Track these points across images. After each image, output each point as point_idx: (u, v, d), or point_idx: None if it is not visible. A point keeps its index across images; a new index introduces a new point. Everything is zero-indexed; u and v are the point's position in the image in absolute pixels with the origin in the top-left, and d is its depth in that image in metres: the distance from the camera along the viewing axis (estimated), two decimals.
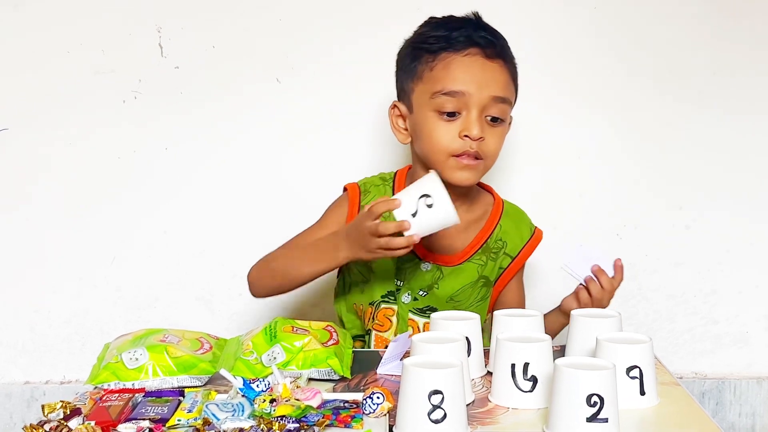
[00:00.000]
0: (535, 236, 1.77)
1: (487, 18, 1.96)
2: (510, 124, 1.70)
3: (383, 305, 1.71)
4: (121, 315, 2.17)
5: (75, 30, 2.08)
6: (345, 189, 1.77)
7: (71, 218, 2.14)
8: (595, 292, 1.60)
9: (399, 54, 1.70)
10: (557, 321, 1.69)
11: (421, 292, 1.70)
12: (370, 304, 1.72)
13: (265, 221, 2.14)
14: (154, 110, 2.10)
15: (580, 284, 1.62)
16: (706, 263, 2.20)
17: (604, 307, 1.61)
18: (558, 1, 2.11)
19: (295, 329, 1.40)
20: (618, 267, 1.62)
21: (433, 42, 1.62)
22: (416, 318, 1.70)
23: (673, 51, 2.12)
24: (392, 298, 1.71)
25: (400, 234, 1.48)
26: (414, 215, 1.47)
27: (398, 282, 1.71)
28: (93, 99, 2.09)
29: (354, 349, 1.50)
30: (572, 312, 1.42)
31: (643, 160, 2.15)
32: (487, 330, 1.62)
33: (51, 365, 2.19)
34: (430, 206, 1.47)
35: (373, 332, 1.72)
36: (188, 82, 2.10)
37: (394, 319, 1.70)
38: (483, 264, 1.72)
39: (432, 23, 1.67)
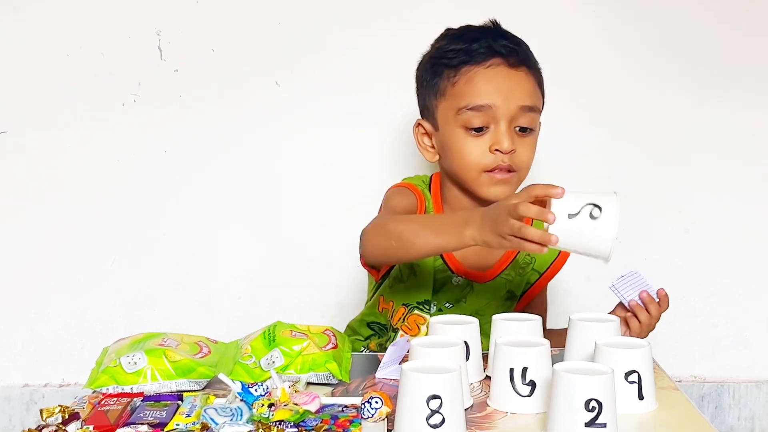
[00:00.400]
0: (563, 252, 1.73)
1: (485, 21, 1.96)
2: (539, 126, 1.67)
3: (416, 311, 1.68)
4: (120, 316, 2.17)
5: (74, 33, 2.08)
6: (397, 185, 1.72)
7: (71, 220, 2.14)
8: (644, 318, 1.56)
9: (418, 70, 1.66)
10: None
11: (447, 304, 1.68)
12: (403, 305, 1.69)
13: (265, 223, 2.15)
14: (153, 113, 2.11)
15: (626, 309, 1.58)
16: (706, 266, 2.20)
17: (650, 331, 1.59)
18: (558, 3, 2.10)
19: (293, 333, 1.40)
20: (663, 296, 1.59)
21: (452, 56, 1.58)
22: None
23: (674, 54, 2.12)
24: (427, 306, 1.68)
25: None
26: (570, 217, 1.24)
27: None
28: (92, 102, 2.10)
29: (352, 353, 1.50)
30: (570, 317, 1.41)
31: (642, 164, 2.16)
32: None
33: (50, 367, 2.19)
34: (594, 218, 1.23)
35: (400, 331, 1.69)
36: (187, 85, 2.10)
37: (424, 328, 1.66)
38: (511, 279, 1.70)
39: (449, 35, 1.63)
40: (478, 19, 2.03)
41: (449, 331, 1.37)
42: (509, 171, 1.57)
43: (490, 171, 1.57)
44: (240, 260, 2.18)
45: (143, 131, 2.11)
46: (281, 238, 2.15)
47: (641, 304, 1.57)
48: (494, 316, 1.42)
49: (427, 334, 1.65)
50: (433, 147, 1.64)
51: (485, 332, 1.57)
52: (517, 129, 1.57)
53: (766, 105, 2.16)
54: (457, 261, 1.67)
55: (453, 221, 1.40)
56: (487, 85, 1.55)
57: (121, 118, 2.10)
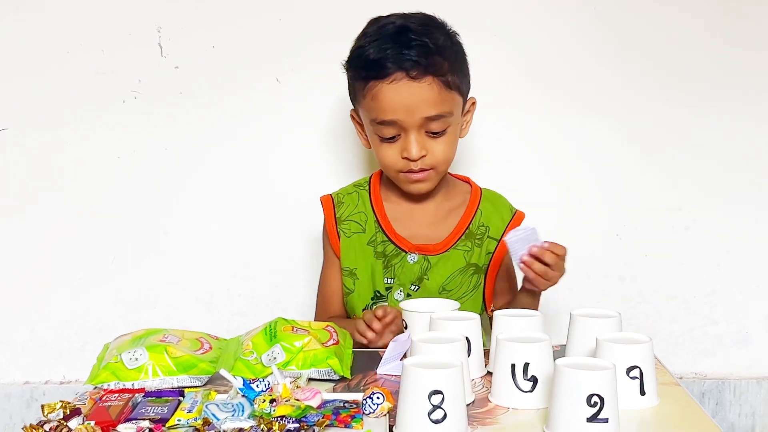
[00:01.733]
0: (516, 217, 1.78)
1: (484, 25, 1.97)
2: (473, 105, 1.73)
3: (375, 306, 1.71)
4: (121, 315, 2.16)
5: (75, 30, 2.07)
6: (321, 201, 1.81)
7: (71, 218, 2.14)
8: (539, 268, 1.59)
9: (345, 65, 1.70)
10: (521, 302, 1.70)
11: (412, 287, 1.72)
12: (363, 309, 1.74)
13: (266, 221, 2.14)
14: (154, 110, 2.10)
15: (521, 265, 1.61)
16: (706, 264, 2.20)
17: (557, 276, 1.62)
18: (558, 4, 2.10)
19: (295, 329, 1.40)
20: (550, 245, 1.60)
21: (361, 68, 1.63)
22: None
23: (674, 53, 2.12)
24: (381, 297, 1.74)
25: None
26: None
27: (388, 280, 1.74)
28: (93, 99, 2.09)
29: (354, 350, 1.50)
30: (572, 312, 1.42)
31: (642, 162, 2.15)
32: (485, 327, 1.63)
33: (51, 365, 2.19)
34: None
35: None
36: (188, 82, 2.09)
37: None
38: (469, 250, 1.74)
39: (366, 37, 1.66)
40: (480, 20, 2.05)
41: (450, 326, 1.37)
42: (424, 170, 1.65)
43: (406, 172, 1.66)
44: (241, 259, 2.17)
45: (144, 128, 2.11)
46: (282, 236, 2.15)
47: (532, 259, 1.59)
48: (495, 312, 1.43)
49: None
50: (367, 137, 1.72)
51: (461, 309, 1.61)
52: (429, 132, 1.63)
53: (766, 106, 2.16)
54: (405, 239, 1.73)
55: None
56: (391, 101, 1.60)
57: (122, 116, 2.10)
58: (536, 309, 1.73)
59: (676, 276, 2.20)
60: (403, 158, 1.63)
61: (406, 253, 1.73)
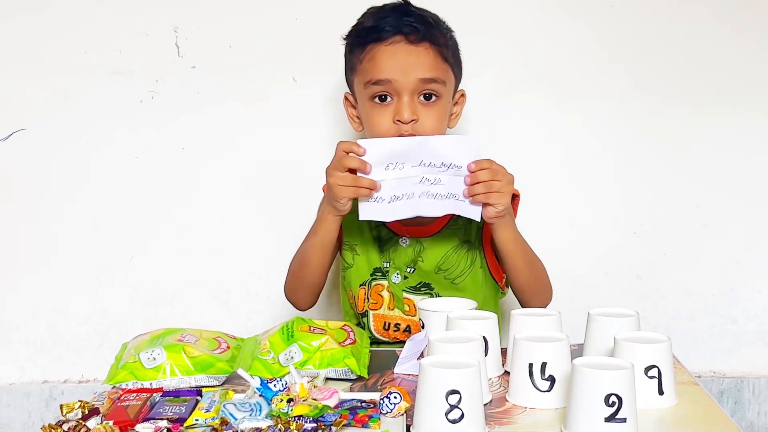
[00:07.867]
0: None
1: (499, 26, 1.96)
2: (463, 97, 1.76)
3: (374, 282, 1.74)
4: (139, 314, 2.17)
5: (92, 30, 2.08)
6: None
7: (89, 217, 2.15)
8: (483, 177, 1.55)
9: (345, 38, 1.76)
10: (498, 237, 1.65)
11: (408, 269, 1.73)
12: (360, 285, 1.75)
13: (283, 220, 2.14)
14: (171, 110, 2.11)
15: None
16: (725, 261, 2.18)
17: (505, 188, 1.56)
18: (580, 4, 2.10)
19: (312, 329, 1.41)
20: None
21: (361, 35, 1.69)
22: (411, 296, 1.72)
23: (692, 48, 2.10)
24: (380, 274, 1.74)
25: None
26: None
27: (385, 263, 1.75)
28: (110, 99, 2.10)
29: (371, 349, 1.50)
30: (589, 311, 1.41)
31: (660, 159, 2.14)
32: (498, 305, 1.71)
33: (69, 364, 2.20)
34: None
35: (371, 312, 1.74)
36: (205, 81, 2.10)
37: (385, 293, 1.73)
38: (461, 228, 1.75)
39: (365, 14, 1.73)
40: (493, 21, 2.04)
41: (468, 326, 1.37)
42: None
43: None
44: (258, 257, 2.18)
45: (161, 128, 2.12)
46: (299, 234, 2.15)
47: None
48: (513, 312, 1.42)
49: (394, 302, 1.71)
50: (358, 117, 1.75)
51: (461, 288, 1.68)
52: (422, 98, 1.65)
53: None
54: (398, 223, 1.74)
55: (318, 218, 1.70)
56: (387, 60, 1.64)
57: (139, 116, 2.11)
58: (515, 239, 1.66)
59: (694, 274, 2.18)
60: (395, 122, 1.64)
61: (398, 236, 1.75)
